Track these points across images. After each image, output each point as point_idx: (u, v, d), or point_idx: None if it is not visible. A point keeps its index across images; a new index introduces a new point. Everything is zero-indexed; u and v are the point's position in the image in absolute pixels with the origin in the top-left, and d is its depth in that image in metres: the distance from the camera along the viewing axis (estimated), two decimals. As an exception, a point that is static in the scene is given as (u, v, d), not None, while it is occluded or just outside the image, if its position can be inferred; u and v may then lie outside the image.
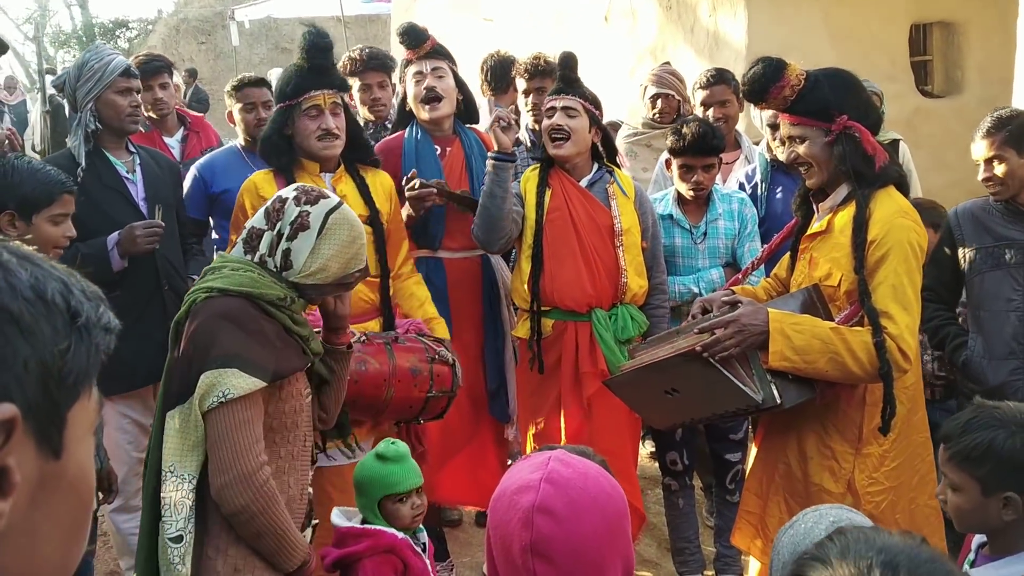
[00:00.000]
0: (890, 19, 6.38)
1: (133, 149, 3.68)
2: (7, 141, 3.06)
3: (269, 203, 2.41)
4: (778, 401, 2.51)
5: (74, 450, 0.78)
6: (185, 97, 10.66)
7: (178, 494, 2.12)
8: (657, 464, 3.94)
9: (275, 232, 2.34)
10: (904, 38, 6.52)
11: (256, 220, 2.40)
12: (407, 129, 3.78)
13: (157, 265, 3.54)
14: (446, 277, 3.67)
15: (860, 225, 2.54)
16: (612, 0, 7.20)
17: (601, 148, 3.54)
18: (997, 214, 3.24)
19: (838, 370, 2.50)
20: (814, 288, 2.65)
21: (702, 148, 3.54)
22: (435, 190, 3.49)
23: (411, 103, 3.75)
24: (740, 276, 3.10)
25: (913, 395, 2.70)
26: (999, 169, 3.14)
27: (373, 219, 3.25)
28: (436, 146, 3.76)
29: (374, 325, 3.25)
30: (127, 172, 3.60)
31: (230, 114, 4.31)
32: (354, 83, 4.26)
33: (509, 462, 4.57)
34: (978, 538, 2.12)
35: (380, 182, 3.38)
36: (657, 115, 4.60)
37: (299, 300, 2.37)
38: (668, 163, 3.78)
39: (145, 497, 2.28)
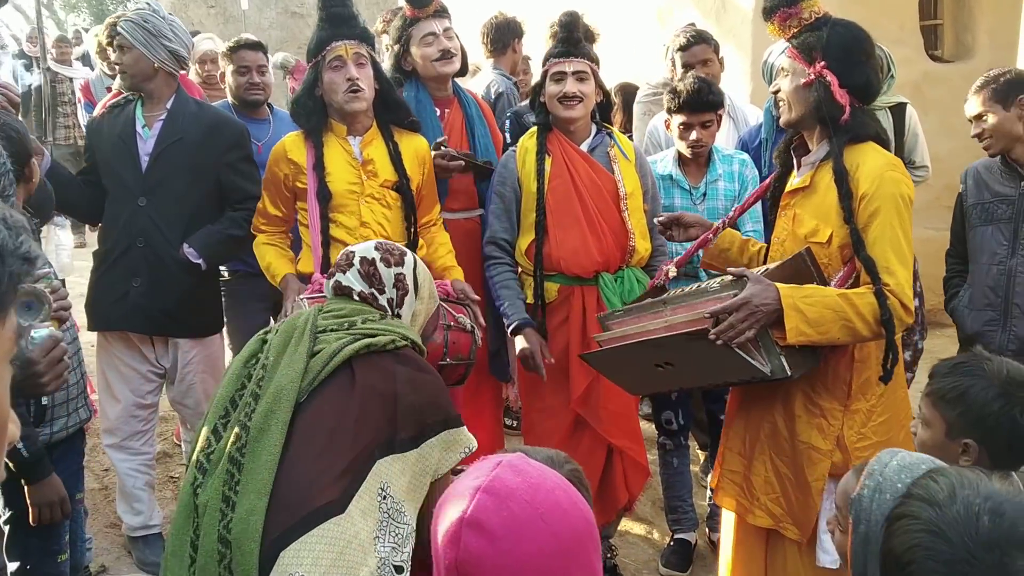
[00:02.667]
0: (900, -18, 6.30)
1: (169, 106, 3.64)
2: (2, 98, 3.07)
3: (359, 265, 2.43)
4: (789, 373, 2.46)
5: None
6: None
7: (406, 529, 2.10)
8: (652, 424, 3.97)
9: (387, 296, 2.41)
10: (914, 1, 6.43)
11: (357, 282, 2.41)
12: (405, 88, 3.73)
13: (138, 221, 3.55)
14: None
15: (839, 174, 2.51)
16: (620, -38, 7.12)
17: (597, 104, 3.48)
18: (996, 171, 3.37)
19: (849, 335, 2.47)
20: (807, 251, 2.60)
21: (699, 104, 3.52)
22: (463, 163, 3.49)
23: (418, 62, 3.68)
24: (711, 235, 2.99)
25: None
26: (987, 124, 3.30)
27: (401, 186, 3.26)
28: (436, 108, 3.75)
29: None
30: (142, 126, 3.62)
31: (222, 75, 4.30)
32: None
33: (508, 422, 4.59)
34: None
35: (415, 147, 3.35)
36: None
37: None
38: (667, 123, 3.76)
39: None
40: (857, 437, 2.61)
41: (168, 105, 3.63)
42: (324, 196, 3.18)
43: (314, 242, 3.21)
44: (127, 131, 3.60)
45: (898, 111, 4.75)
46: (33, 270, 0.82)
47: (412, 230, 3.29)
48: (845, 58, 2.51)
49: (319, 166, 3.19)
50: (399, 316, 2.41)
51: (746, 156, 3.79)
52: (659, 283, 2.99)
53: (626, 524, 4.03)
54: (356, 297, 2.39)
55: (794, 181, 2.72)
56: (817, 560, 2.61)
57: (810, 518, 2.62)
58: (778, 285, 2.46)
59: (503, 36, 4.67)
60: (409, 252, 2.49)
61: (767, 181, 2.89)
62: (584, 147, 3.42)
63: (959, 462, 2.02)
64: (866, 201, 2.49)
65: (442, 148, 3.47)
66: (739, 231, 3.30)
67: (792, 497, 2.66)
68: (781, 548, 2.75)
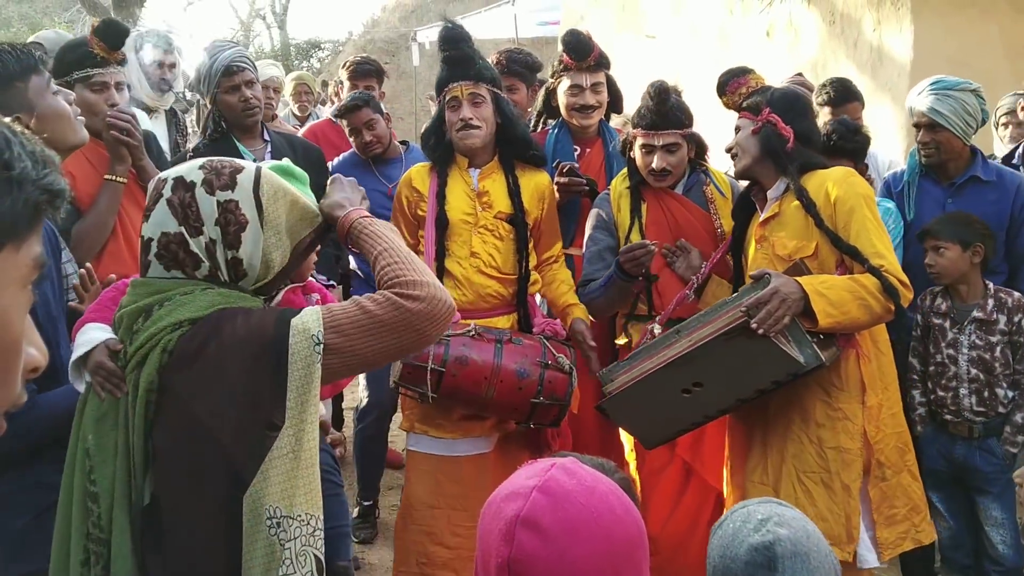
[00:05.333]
0: (1075, 35, 6.02)
1: (268, 137, 3.83)
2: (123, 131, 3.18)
3: (169, 192, 1.73)
4: (822, 360, 2.60)
5: None
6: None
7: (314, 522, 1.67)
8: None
9: (205, 238, 1.74)
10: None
11: (160, 222, 1.73)
12: (552, 124, 3.89)
13: None
14: (575, 274, 3.68)
15: (799, 191, 2.82)
16: (774, 15, 7.13)
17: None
18: None
19: (867, 313, 2.67)
20: (800, 261, 2.80)
21: (833, 151, 3.49)
22: (586, 187, 3.57)
23: (563, 110, 3.80)
24: (687, 291, 3.17)
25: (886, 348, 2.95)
26: None
27: (515, 219, 3.27)
28: (576, 147, 3.84)
29: (501, 322, 3.27)
30: (254, 160, 3.85)
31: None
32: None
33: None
34: None
35: (536, 182, 3.37)
36: None
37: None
38: None
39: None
40: (876, 430, 2.81)
41: (265, 136, 3.81)
42: (442, 224, 3.26)
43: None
44: None
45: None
46: (57, 203, 0.83)
47: (523, 263, 3.29)
48: (787, 108, 2.91)
49: (440, 194, 3.28)
50: (221, 266, 1.75)
51: (890, 204, 3.71)
52: (645, 342, 3.00)
53: None
54: (155, 248, 1.72)
55: (763, 215, 2.97)
56: (860, 562, 2.72)
57: (851, 528, 2.72)
58: (796, 277, 2.68)
59: None
60: (257, 165, 1.81)
61: (727, 240, 3.18)
62: (679, 188, 3.43)
63: None
64: (840, 203, 2.77)
65: (567, 169, 3.53)
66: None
67: (826, 515, 2.74)
68: None
